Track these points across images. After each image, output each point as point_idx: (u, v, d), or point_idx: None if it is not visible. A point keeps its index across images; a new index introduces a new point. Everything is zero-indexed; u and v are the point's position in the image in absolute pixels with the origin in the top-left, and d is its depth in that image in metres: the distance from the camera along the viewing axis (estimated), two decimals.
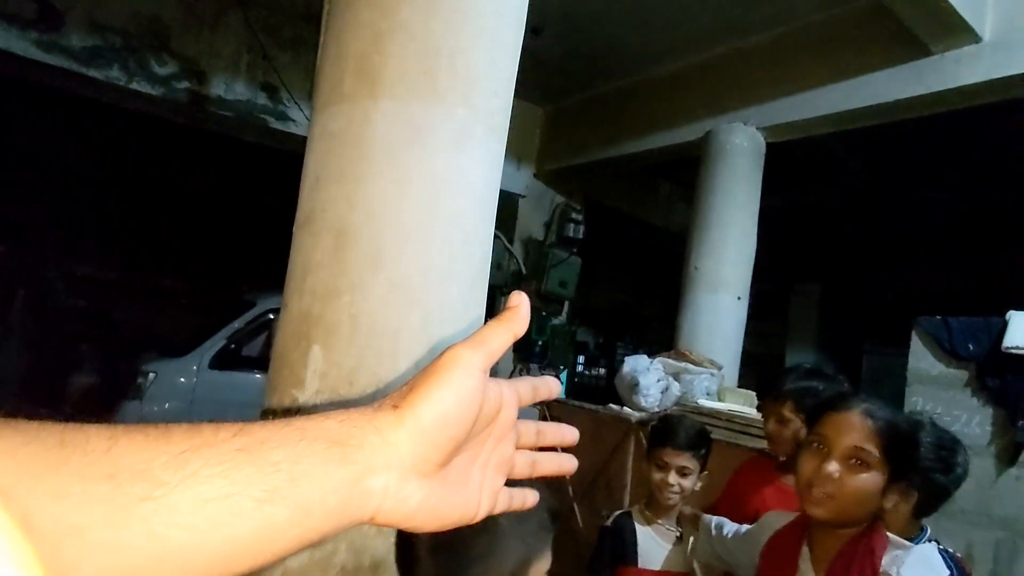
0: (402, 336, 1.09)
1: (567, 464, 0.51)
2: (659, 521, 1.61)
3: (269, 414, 1.16)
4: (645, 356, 3.08)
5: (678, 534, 1.57)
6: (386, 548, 1.07)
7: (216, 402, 5.46)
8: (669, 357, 3.13)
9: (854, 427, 1.04)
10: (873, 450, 1.01)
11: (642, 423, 2.81)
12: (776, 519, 1.22)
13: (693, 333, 3.68)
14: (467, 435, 0.38)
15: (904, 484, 1.08)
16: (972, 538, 2.44)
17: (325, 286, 1.08)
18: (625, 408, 2.95)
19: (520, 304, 0.43)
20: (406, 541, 0.79)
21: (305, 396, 1.08)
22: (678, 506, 1.65)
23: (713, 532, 1.43)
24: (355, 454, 0.34)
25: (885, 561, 1.05)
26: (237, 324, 5.89)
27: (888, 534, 1.09)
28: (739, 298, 3.86)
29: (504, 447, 0.43)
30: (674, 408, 2.78)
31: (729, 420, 2.54)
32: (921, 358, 2.84)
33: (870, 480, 1.02)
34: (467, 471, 0.41)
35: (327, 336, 1.08)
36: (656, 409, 2.88)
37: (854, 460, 1.02)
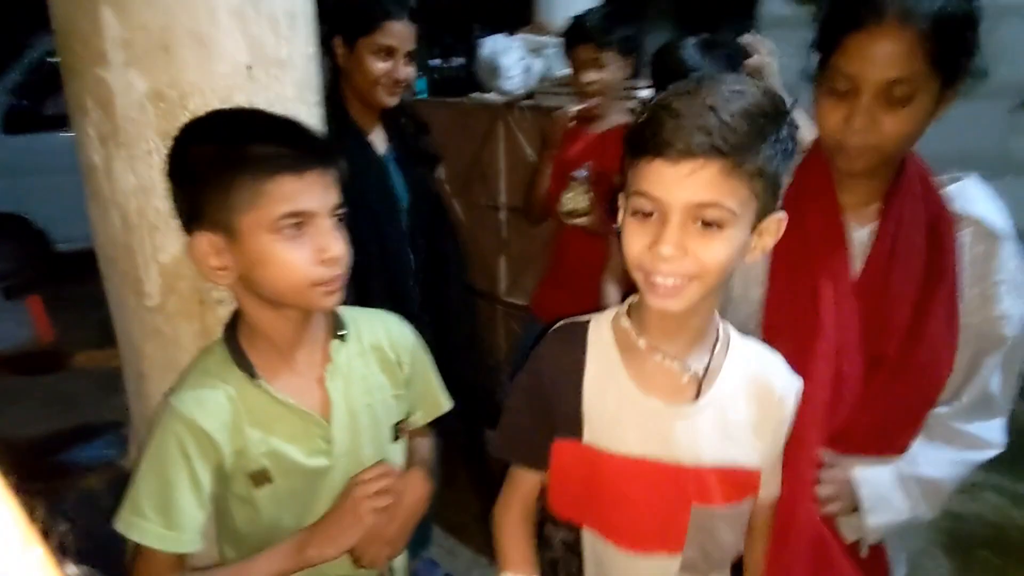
0: None
1: None
2: None
3: (72, 101, 0.96)
4: (503, 36, 2.89)
5: None
6: None
7: (24, 172, 4.74)
8: (528, 32, 2.96)
9: (888, 52, 0.79)
10: (920, 66, 0.79)
11: (508, 106, 2.76)
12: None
13: (550, 3, 3.48)
14: None
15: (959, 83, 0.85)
16: None
17: None
18: (489, 94, 2.85)
19: None
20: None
21: (112, 74, 0.88)
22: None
23: None
24: None
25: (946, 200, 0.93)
26: (16, 75, 4.88)
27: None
28: None
29: None
30: (542, 84, 2.73)
31: None
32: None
33: (920, 109, 0.82)
34: None
35: None
36: (520, 90, 2.80)
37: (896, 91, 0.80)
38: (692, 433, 0.82)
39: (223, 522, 0.95)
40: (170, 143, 0.86)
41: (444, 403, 1.12)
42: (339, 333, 0.95)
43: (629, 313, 0.86)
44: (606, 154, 1.77)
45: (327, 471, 0.93)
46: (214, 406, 0.86)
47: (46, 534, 0.27)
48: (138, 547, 0.84)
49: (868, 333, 0.92)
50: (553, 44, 2.83)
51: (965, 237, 0.93)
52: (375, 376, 0.98)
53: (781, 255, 0.91)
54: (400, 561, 1.07)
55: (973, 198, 0.95)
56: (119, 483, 1.73)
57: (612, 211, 1.67)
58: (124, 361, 1.10)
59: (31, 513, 0.26)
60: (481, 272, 2.91)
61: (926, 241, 0.92)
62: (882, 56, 0.79)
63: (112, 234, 0.98)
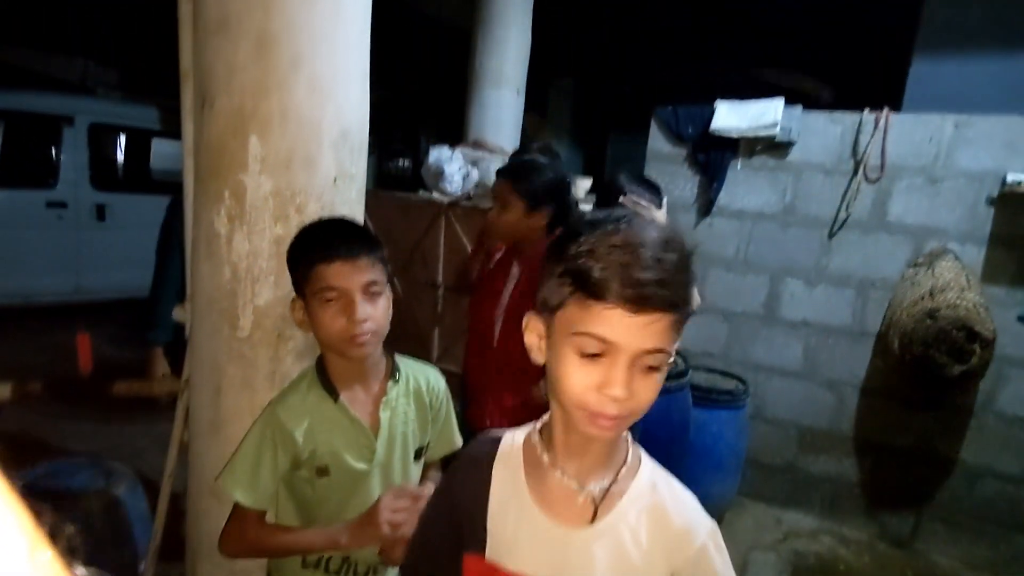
0: (323, 125, 1.37)
1: None
2: None
3: (210, 192, 1.39)
4: (447, 147, 3.49)
5: None
6: None
7: None
8: (467, 147, 3.58)
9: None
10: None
11: (450, 205, 3.32)
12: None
13: (481, 125, 4.15)
14: None
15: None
16: None
17: (255, 85, 1.29)
18: (434, 193, 3.40)
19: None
20: None
21: (249, 178, 1.34)
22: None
23: None
24: None
25: None
26: None
27: None
28: (518, 92, 4.36)
29: None
30: (476, 190, 3.31)
31: None
32: (656, 140, 3.62)
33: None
34: None
35: (262, 128, 1.31)
36: (459, 193, 3.37)
37: None
38: (586, 557, 0.78)
39: (287, 496, 1.25)
40: (282, 230, 1.32)
41: (457, 442, 1.36)
42: (395, 376, 1.25)
43: (541, 430, 0.85)
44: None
45: (366, 475, 1.20)
46: (301, 416, 1.14)
47: (54, 537, 0.27)
48: (234, 508, 1.14)
49: None
50: (488, 158, 3.46)
51: None
52: (412, 412, 1.26)
53: None
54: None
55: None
56: (111, 508, 1.95)
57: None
58: (200, 379, 1.47)
59: (39, 517, 0.26)
60: (417, 341, 3.36)
61: None
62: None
63: (221, 283, 1.39)
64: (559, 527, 0.80)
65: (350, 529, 1.16)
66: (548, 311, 0.76)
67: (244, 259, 1.37)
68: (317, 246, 1.13)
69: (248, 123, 1.30)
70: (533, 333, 0.79)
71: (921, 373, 2.79)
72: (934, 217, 3.06)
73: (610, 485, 0.80)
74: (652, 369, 0.72)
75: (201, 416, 1.48)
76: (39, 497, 1.87)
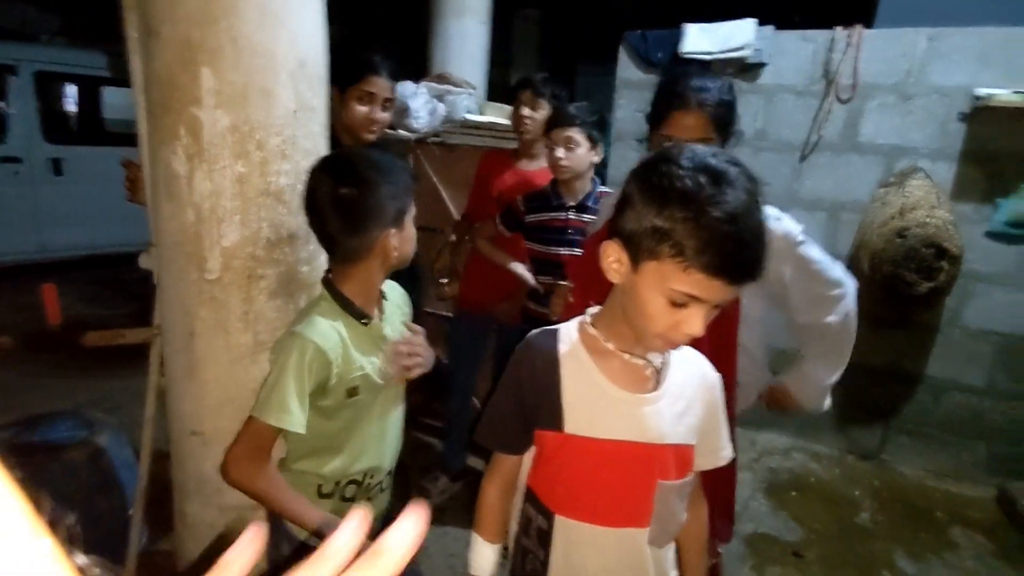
0: (278, 55, 1.31)
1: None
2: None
3: (164, 129, 1.33)
4: (411, 82, 3.37)
5: None
6: (296, 224, 1.41)
7: None
8: (432, 81, 3.46)
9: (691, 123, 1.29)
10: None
11: (419, 142, 3.23)
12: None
13: (445, 58, 4.02)
14: None
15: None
16: None
17: (200, 12, 1.21)
18: (400, 131, 3.30)
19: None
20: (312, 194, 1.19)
21: (204, 112, 1.28)
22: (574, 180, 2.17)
23: None
24: None
25: None
26: None
27: None
28: (482, 23, 4.20)
29: None
30: (447, 124, 3.22)
31: (492, 129, 3.09)
32: (626, 67, 3.55)
33: None
34: None
35: (213, 59, 1.25)
36: (426, 129, 3.28)
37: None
38: (656, 417, 0.95)
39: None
40: (243, 167, 1.27)
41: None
42: (383, 295, 1.32)
43: (594, 324, 1.00)
44: (531, 187, 2.34)
45: (382, 391, 1.27)
46: (332, 336, 1.16)
47: (53, 525, 0.26)
48: (249, 421, 1.13)
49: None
50: (455, 92, 3.36)
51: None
52: (398, 324, 1.35)
53: None
54: None
55: (776, 218, 1.41)
56: (96, 457, 1.94)
57: (508, 224, 2.22)
58: (172, 324, 1.45)
59: (38, 504, 0.25)
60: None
61: None
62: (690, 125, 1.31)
63: (185, 225, 1.34)
64: (633, 395, 0.95)
65: (327, 524, 1.17)
66: (636, 250, 0.85)
67: (207, 199, 1.32)
68: None
69: (197, 54, 1.23)
70: (612, 257, 0.89)
71: (891, 292, 2.86)
72: (905, 136, 3.06)
73: (663, 359, 0.99)
74: (717, 308, 0.84)
75: (176, 361, 1.46)
76: (21, 452, 1.87)
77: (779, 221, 1.41)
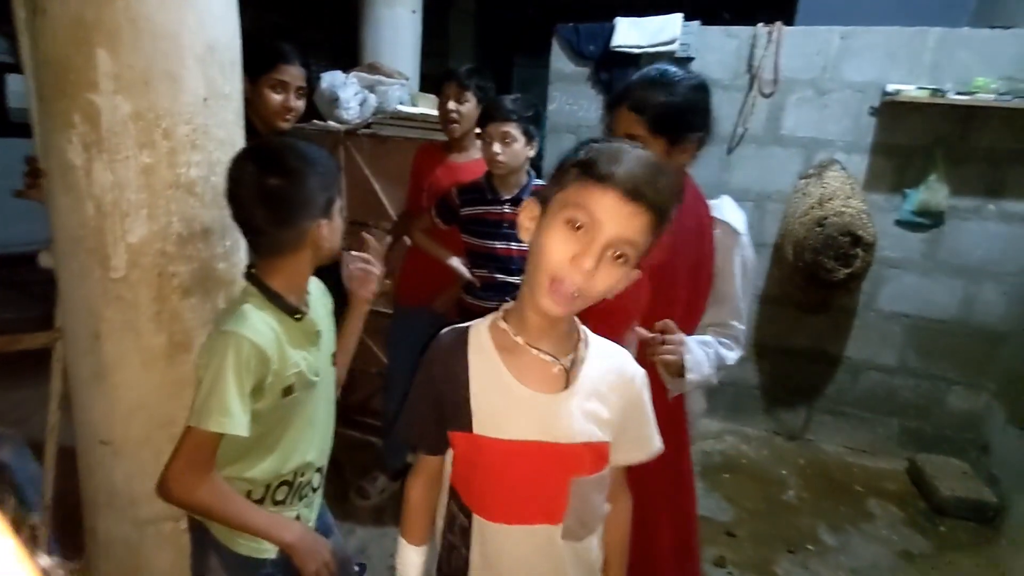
0: (184, 37, 1.23)
1: None
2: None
3: (56, 115, 1.23)
4: (340, 72, 3.27)
5: None
6: (211, 218, 1.34)
7: None
8: (362, 71, 3.37)
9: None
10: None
11: (348, 133, 3.14)
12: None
13: (377, 48, 3.92)
14: None
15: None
16: None
17: None
18: (329, 122, 3.20)
19: None
20: (236, 185, 1.13)
21: (102, 98, 1.19)
22: (509, 175, 2.13)
23: None
24: None
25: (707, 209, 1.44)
26: None
27: None
28: (414, 12, 4.12)
29: None
30: (378, 115, 3.14)
31: (424, 121, 3.03)
32: (559, 60, 3.56)
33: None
34: None
35: (110, 40, 1.16)
36: (356, 120, 3.19)
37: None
38: (565, 416, 0.94)
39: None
40: (149, 158, 1.19)
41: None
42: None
43: (505, 318, 0.98)
44: (462, 180, 2.30)
45: (315, 387, 1.23)
46: (267, 332, 1.12)
47: (17, 525, 0.26)
48: (187, 431, 1.06)
49: (659, 295, 1.31)
50: (386, 82, 3.28)
51: (717, 233, 1.42)
52: (325, 316, 1.33)
53: None
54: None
55: (724, 209, 1.44)
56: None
57: (444, 216, 2.19)
58: (75, 327, 1.34)
59: (1, 504, 0.26)
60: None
61: (694, 235, 1.37)
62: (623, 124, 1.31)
63: (84, 219, 1.25)
64: (541, 395, 0.94)
65: (302, 539, 1.18)
66: (549, 193, 0.88)
67: (108, 192, 1.23)
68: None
69: (92, 34, 1.14)
70: (527, 215, 0.91)
71: (812, 278, 2.98)
72: (823, 129, 3.20)
73: (574, 356, 0.97)
74: (618, 259, 0.83)
75: (81, 365, 1.36)
76: None
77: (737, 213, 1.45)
